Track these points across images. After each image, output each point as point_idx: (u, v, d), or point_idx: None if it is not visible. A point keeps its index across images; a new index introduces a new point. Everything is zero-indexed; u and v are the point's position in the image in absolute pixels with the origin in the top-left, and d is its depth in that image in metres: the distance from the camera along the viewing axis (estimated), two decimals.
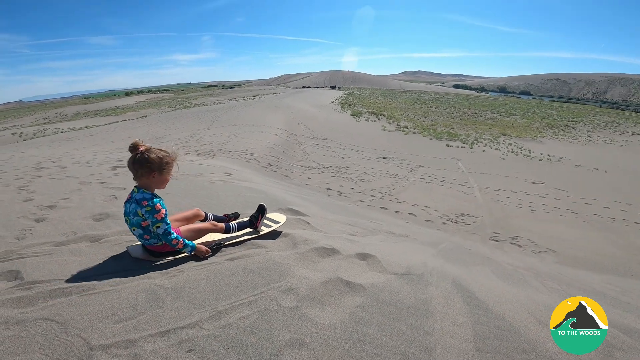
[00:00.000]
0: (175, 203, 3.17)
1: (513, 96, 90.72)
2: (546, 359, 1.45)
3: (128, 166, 1.93)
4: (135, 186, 1.96)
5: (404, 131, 19.61)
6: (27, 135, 23.19)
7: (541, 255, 5.58)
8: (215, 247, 2.18)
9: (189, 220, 2.29)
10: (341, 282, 1.87)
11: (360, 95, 39.53)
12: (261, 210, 2.39)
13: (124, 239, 2.29)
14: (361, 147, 15.10)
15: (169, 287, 1.72)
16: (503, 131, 20.89)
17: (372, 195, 8.29)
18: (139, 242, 2.14)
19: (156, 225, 1.91)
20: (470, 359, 1.43)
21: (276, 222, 2.51)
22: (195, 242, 2.13)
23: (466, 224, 7.01)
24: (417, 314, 1.68)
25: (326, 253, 2.21)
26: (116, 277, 1.81)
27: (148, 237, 1.98)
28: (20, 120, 40.56)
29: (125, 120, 27.77)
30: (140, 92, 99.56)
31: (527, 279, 2.96)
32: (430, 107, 32.11)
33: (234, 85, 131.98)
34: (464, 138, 18.24)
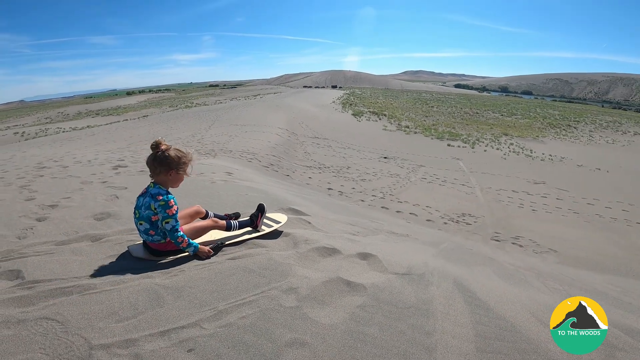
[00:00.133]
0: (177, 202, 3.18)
1: (515, 96, 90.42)
2: (547, 359, 1.44)
3: (147, 163, 2.00)
4: (151, 182, 2.03)
5: (405, 131, 19.58)
6: (29, 134, 23.30)
7: (543, 255, 5.56)
8: (217, 247, 2.19)
9: (190, 217, 2.31)
10: (342, 282, 1.87)
11: (361, 95, 39.48)
12: (261, 209, 2.42)
13: (125, 239, 2.30)
14: (362, 147, 15.09)
15: (169, 287, 1.72)
16: (505, 131, 20.83)
17: (373, 195, 8.28)
18: (140, 242, 2.15)
19: (166, 220, 1.94)
20: (471, 359, 1.42)
21: (277, 222, 2.51)
22: (197, 240, 2.15)
23: (467, 224, 7.00)
24: (418, 314, 1.68)
25: (327, 253, 2.21)
26: (117, 276, 1.81)
27: (153, 233, 2.00)
28: (22, 119, 40.73)
29: (126, 119, 27.86)
30: (142, 91, 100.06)
31: (529, 279, 2.95)
32: (432, 106, 32.05)
33: (235, 85, 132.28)
34: (465, 138, 18.20)
